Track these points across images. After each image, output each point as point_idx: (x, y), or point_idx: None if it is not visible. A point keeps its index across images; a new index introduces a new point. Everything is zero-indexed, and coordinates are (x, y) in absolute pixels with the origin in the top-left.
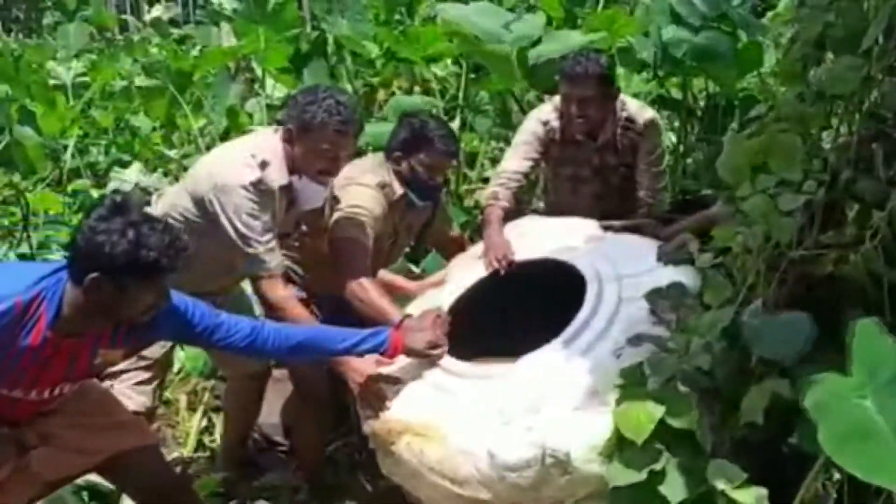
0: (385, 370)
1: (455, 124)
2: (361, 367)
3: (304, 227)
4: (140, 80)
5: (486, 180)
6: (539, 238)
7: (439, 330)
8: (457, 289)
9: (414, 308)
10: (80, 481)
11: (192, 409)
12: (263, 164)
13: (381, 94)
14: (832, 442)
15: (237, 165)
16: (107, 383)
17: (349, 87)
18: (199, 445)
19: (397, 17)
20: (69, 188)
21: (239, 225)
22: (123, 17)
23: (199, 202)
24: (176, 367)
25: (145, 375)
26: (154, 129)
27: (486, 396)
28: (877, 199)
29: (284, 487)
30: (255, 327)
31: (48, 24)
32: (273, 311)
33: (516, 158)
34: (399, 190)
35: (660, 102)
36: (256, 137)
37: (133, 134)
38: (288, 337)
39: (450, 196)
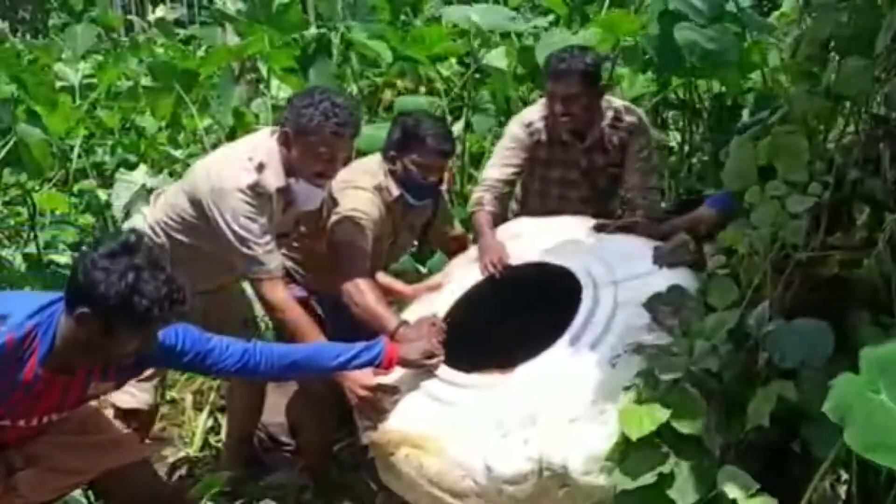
0: (382, 380)
1: (459, 124)
2: (359, 377)
3: (302, 229)
4: (146, 81)
5: None
6: (534, 240)
7: (435, 338)
8: (453, 293)
9: (411, 312)
10: None
11: (198, 408)
12: (260, 167)
13: (387, 95)
14: (861, 441)
15: (234, 169)
16: None
17: (354, 88)
18: (206, 445)
19: (402, 17)
20: (75, 188)
21: (237, 228)
22: (130, 17)
23: (197, 204)
24: None
25: (146, 372)
26: (160, 129)
27: (484, 408)
28: (884, 200)
29: (290, 487)
30: (246, 350)
31: (54, 26)
32: (273, 312)
33: (500, 164)
34: (395, 191)
35: (664, 102)
36: (253, 140)
37: (139, 134)
38: (281, 357)
39: (454, 195)
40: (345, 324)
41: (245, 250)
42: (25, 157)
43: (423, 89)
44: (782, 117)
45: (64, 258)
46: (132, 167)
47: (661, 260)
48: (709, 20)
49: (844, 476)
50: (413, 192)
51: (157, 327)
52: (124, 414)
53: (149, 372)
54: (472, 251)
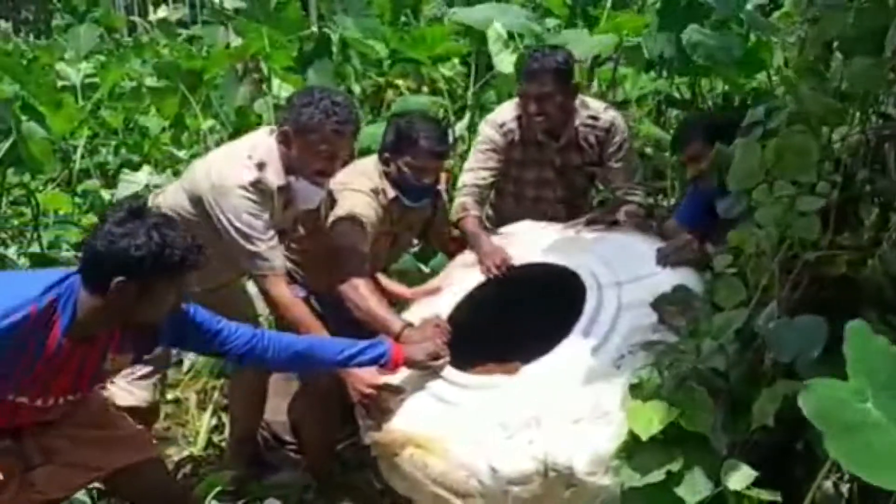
0: (387, 380)
1: (462, 124)
2: (364, 376)
3: (301, 230)
4: (150, 81)
5: None
6: (532, 242)
7: (440, 339)
8: (455, 295)
9: (412, 315)
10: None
11: (202, 407)
12: (261, 165)
13: (388, 95)
14: (837, 447)
15: (234, 166)
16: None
17: (356, 88)
18: (209, 444)
19: (403, 17)
20: (79, 188)
21: (239, 225)
22: (132, 18)
23: (198, 202)
24: (186, 366)
25: (146, 370)
26: (163, 129)
27: (488, 408)
28: (891, 200)
29: (294, 486)
30: (254, 335)
31: (57, 26)
32: (277, 309)
33: (476, 168)
34: (391, 193)
35: (668, 101)
36: (252, 139)
37: (142, 134)
38: (287, 346)
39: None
40: (345, 324)
41: (249, 247)
42: (28, 157)
43: (425, 89)
44: (789, 117)
45: (68, 257)
46: (135, 167)
47: (664, 260)
48: (717, 21)
49: (847, 475)
50: (408, 193)
51: (189, 277)
52: (122, 412)
53: (147, 369)
54: (469, 255)
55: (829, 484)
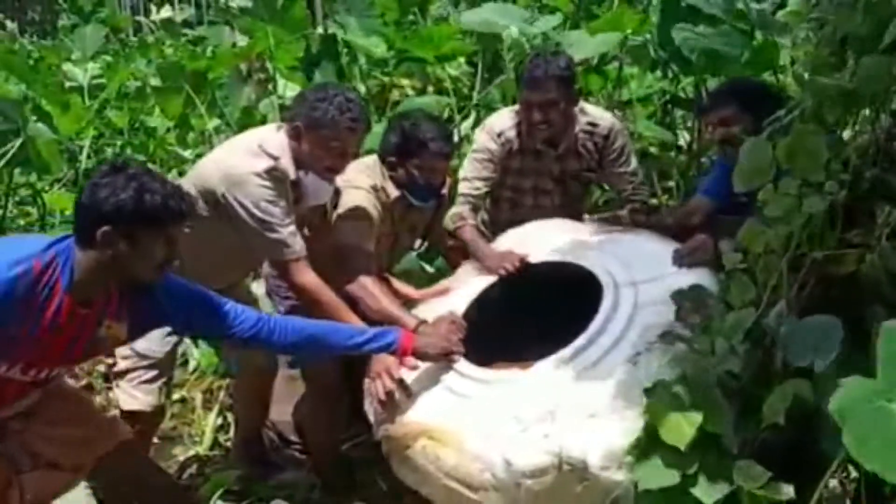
0: (410, 374)
1: (468, 123)
2: (386, 362)
3: (306, 231)
4: (154, 81)
5: None
6: (545, 242)
7: (454, 335)
8: (468, 294)
9: (424, 314)
10: None
11: (207, 407)
12: (272, 157)
13: (394, 95)
14: (858, 446)
15: (247, 157)
16: (113, 383)
17: (362, 87)
18: (215, 443)
19: (410, 17)
20: None
21: (258, 213)
22: (138, 18)
23: (210, 196)
24: (191, 366)
25: (150, 374)
26: (168, 129)
27: (503, 402)
28: None
29: (300, 485)
30: (260, 318)
31: (63, 26)
32: (303, 294)
33: (473, 177)
34: (394, 192)
35: (673, 101)
36: (259, 133)
37: (148, 134)
38: (294, 330)
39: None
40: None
41: (269, 234)
42: (35, 157)
43: (431, 89)
44: (800, 115)
45: None
46: None
47: (680, 261)
48: (720, 20)
49: (854, 474)
50: (416, 194)
51: (175, 226)
52: (127, 415)
53: (153, 373)
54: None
55: (835, 483)
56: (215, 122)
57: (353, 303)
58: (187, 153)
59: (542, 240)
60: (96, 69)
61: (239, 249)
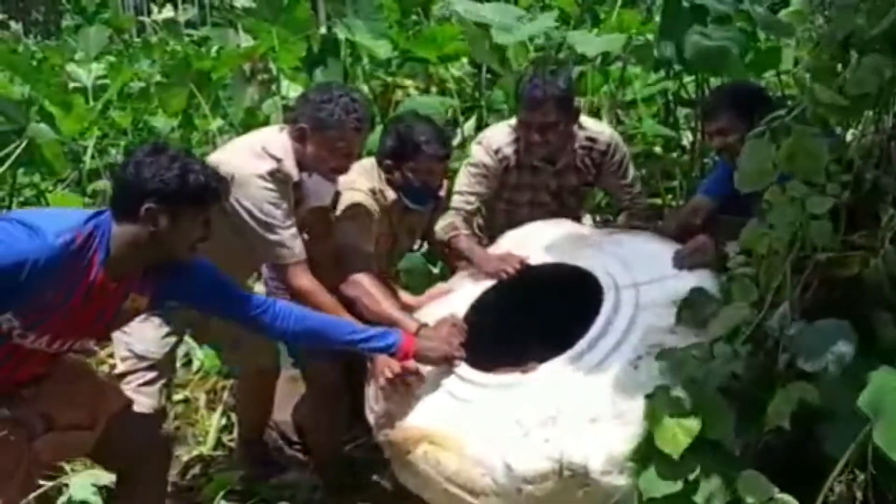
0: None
1: (470, 124)
2: (388, 361)
3: (305, 236)
4: (159, 79)
5: None
6: (543, 243)
7: (455, 340)
8: (469, 296)
9: (426, 316)
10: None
11: (211, 407)
12: (276, 158)
13: (397, 95)
14: (886, 436)
15: (250, 158)
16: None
17: (364, 88)
18: (219, 444)
19: (413, 17)
20: (89, 189)
21: (260, 214)
22: (141, 18)
23: None
24: (195, 367)
25: (150, 375)
26: (172, 129)
27: (504, 407)
28: None
29: (302, 486)
30: (266, 301)
31: (67, 27)
32: (301, 298)
33: (467, 191)
34: (391, 195)
35: (676, 100)
36: (262, 135)
37: (151, 134)
38: (297, 319)
39: None
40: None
41: (270, 236)
42: (38, 158)
43: (434, 89)
44: (800, 116)
45: None
46: None
47: (681, 262)
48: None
49: (860, 477)
50: (412, 196)
51: (213, 206)
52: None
53: (152, 375)
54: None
55: (841, 486)
56: (219, 122)
57: (350, 304)
58: None
59: (542, 241)
60: (100, 70)
61: (241, 250)
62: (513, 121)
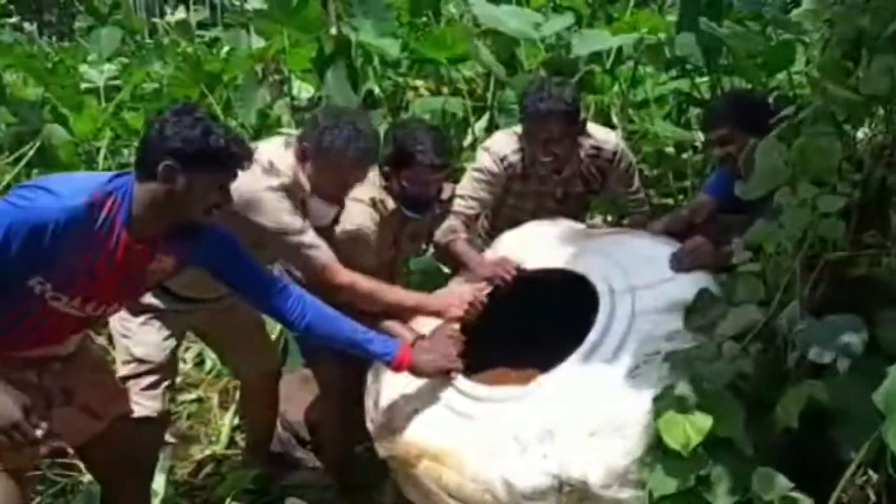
0: (408, 390)
1: (481, 124)
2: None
3: None
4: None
5: None
6: (542, 245)
7: (453, 350)
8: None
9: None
10: None
11: (224, 407)
12: (286, 174)
13: (409, 95)
14: None
15: (257, 175)
16: None
17: (375, 89)
18: (232, 443)
19: (423, 18)
20: None
21: (282, 227)
22: (153, 20)
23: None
24: (208, 366)
25: (152, 379)
26: None
27: (502, 421)
28: None
29: (314, 486)
30: (284, 285)
31: (80, 28)
32: (346, 293)
33: (470, 197)
34: (392, 204)
35: (688, 100)
36: (269, 150)
37: None
38: (310, 305)
39: None
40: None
41: (295, 238)
42: (52, 159)
43: (445, 90)
44: (815, 116)
45: None
46: None
47: (678, 263)
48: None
49: (874, 477)
50: (410, 206)
51: (233, 172)
52: (137, 423)
53: (153, 378)
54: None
55: (855, 487)
56: (230, 123)
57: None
58: None
59: (540, 243)
60: (112, 71)
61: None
62: (519, 128)
